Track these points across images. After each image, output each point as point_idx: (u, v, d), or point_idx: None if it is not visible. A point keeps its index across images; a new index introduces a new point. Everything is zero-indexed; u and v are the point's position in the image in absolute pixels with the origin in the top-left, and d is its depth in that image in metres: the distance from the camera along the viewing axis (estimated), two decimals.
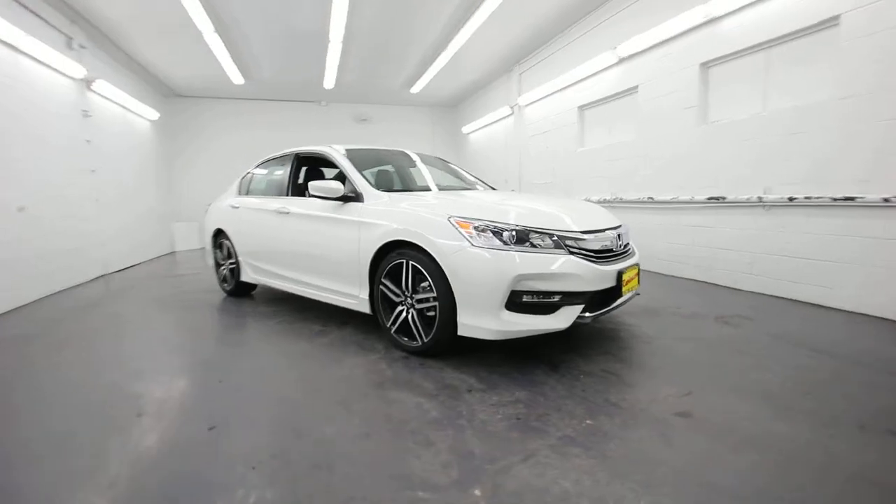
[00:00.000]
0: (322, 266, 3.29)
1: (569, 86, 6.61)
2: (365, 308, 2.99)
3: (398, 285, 2.72)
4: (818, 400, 2.05)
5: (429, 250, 2.49)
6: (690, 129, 4.65)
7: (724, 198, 4.28)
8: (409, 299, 2.67)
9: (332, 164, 4.49)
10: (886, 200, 3.07)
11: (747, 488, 1.44)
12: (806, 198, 3.57)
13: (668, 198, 4.95)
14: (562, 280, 2.34)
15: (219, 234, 4.65)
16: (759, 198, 3.94)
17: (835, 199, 3.37)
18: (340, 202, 3.15)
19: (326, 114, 10.86)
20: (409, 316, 2.67)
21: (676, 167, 4.85)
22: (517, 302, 2.32)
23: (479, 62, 8.02)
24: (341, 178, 3.48)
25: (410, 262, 2.60)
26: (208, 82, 8.70)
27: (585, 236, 2.52)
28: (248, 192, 4.44)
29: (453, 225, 2.46)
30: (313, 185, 3.14)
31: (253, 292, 4.70)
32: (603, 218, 2.86)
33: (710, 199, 4.43)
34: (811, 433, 1.76)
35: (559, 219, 2.57)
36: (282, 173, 3.98)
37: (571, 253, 2.42)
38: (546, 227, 2.45)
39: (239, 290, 4.50)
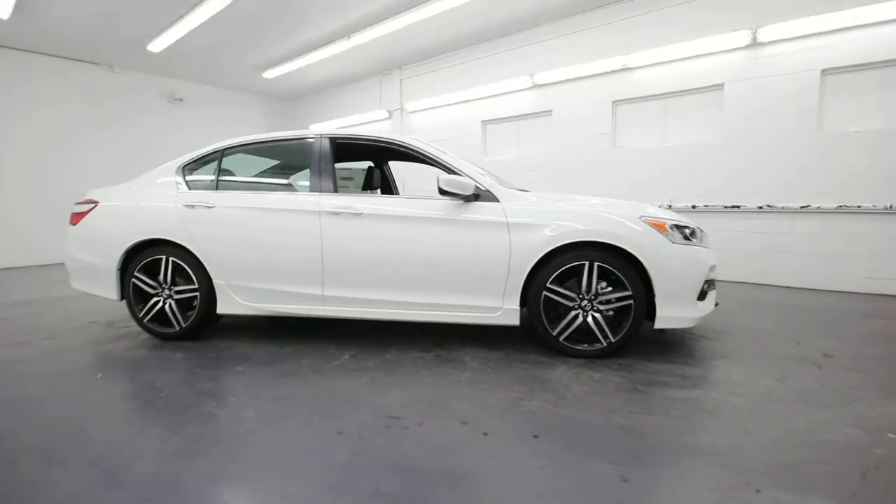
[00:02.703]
0: (440, 279, 2.72)
1: (473, 100, 7.07)
2: (512, 320, 2.68)
3: (568, 288, 2.61)
4: (859, 331, 3.17)
5: (629, 249, 2.51)
6: (606, 151, 5.84)
7: None
8: (586, 302, 2.61)
9: (388, 154, 3.73)
10: (760, 208, 4.79)
11: None
12: (705, 206, 5.13)
13: None
14: (715, 269, 2.80)
15: (144, 249, 3.06)
16: (669, 205, 5.36)
17: (725, 207, 5.00)
18: (462, 202, 2.72)
19: (119, 84, 8.00)
20: (590, 319, 2.61)
21: (594, 179, 5.97)
22: (701, 291, 2.65)
23: (359, 60, 7.57)
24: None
25: (595, 263, 2.56)
26: None
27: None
28: (218, 187, 3.10)
29: (648, 224, 2.57)
30: (445, 180, 2.60)
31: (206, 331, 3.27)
32: None
33: None
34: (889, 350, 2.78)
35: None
36: (312, 163, 2.99)
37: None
38: (697, 225, 2.86)
39: (194, 331, 3.08)
